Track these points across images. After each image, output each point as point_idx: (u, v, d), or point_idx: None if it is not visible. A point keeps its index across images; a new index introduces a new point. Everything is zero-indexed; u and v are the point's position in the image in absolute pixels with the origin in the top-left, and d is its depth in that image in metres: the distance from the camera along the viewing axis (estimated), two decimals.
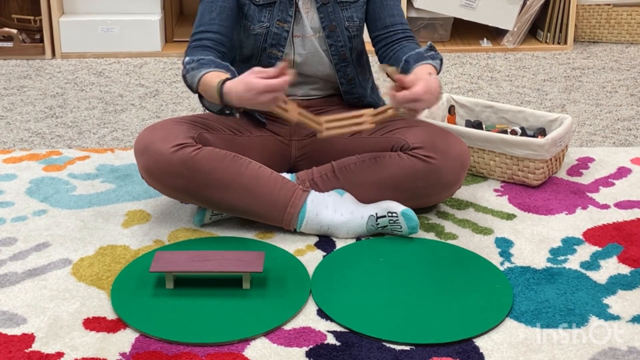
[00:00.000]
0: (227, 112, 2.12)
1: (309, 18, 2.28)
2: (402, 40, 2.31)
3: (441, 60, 2.27)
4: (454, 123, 2.67)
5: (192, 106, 3.20)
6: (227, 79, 2.07)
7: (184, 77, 2.18)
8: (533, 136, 2.57)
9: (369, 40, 2.39)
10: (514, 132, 2.58)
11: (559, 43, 3.86)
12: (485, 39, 3.89)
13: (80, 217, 2.34)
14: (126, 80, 3.48)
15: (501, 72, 3.57)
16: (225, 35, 2.24)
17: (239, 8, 2.27)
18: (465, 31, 3.97)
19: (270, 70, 2.03)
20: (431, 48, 2.26)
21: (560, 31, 3.84)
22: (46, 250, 2.18)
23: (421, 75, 2.11)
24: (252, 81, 2.02)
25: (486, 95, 3.31)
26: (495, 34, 3.94)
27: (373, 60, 2.49)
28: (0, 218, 2.33)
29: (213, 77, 2.11)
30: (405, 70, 2.21)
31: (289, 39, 2.26)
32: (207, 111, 2.27)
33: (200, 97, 2.19)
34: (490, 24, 3.86)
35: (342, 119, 2.18)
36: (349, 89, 2.36)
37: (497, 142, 2.48)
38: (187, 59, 2.18)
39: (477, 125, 2.65)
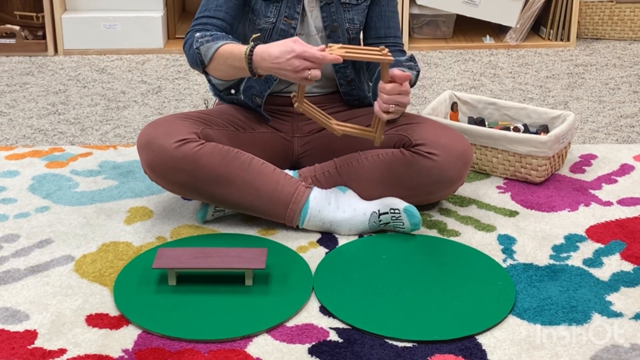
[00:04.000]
0: (233, 91, 2.16)
1: (313, 17, 2.27)
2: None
3: (418, 72, 2.28)
4: (457, 120, 2.67)
5: (194, 102, 3.20)
6: (258, 43, 2.08)
7: (196, 49, 2.15)
8: (536, 133, 2.57)
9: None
10: (516, 129, 2.58)
11: (561, 40, 3.85)
12: (487, 36, 3.88)
13: (83, 213, 2.34)
14: (128, 77, 3.48)
15: (504, 69, 3.57)
16: (230, 24, 2.24)
17: (246, 1, 2.27)
18: (468, 28, 3.97)
19: (314, 47, 2.02)
20: (411, 59, 2.28)
21: (563, 28, 3.83)
22: (49, 247, 2.18)
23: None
24: (291, 44, 2.01)
25: (489, 92, 3.30)
26: (498, 30, 3.94)
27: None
28: (2, 215, 2.34)
29: (237, 46, 2.11)
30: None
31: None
32: (211, 89, 2.28)
33: (205, 72, 2.20)
34: (492, 21, 3.85)
35: (354, 127, 2.17)
36: (348, 90, 2.36)
37: (499, 139, 2.48)
38: (198, 34, 2.17)
39: (480, 122, 2.64)
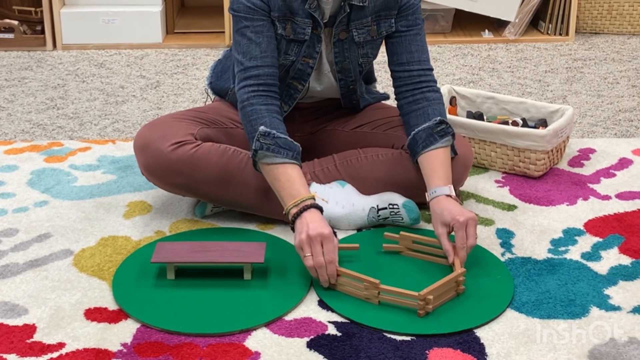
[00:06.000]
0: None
1: (327, 52, 2.23)
2: (416, 90, 2.20)
3: (453, 135, 2.15)
4: (455, 114, 2.67)
5: (193, 97, 3.20)
6: (307, 207, 1.99)
7: (257, 151, 2.05)
8: (534, 127, 2.57)
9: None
10: (515, 123, 2.58)
11: (560, 34, 3.85)
12: (486, 30, 3.88)
13: (82, 208, 2.34)
14: (127, 72, 3.48)
15: (502, 64, 3.57)
16: (276, 67, 2.15)
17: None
18: (467, 22, 3.97)
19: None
20: (441, 122, 2.15)
21: (562, 22, 3.83)
22: (47, 241, 2.18)
23: (455, 220, 2.01)
24: (329, 234, 1.96)
25: (487, 87, 3.30)
26: (497, 25, 3.94)
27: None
28: (1, 209, 2.34)
29: (293, 181, 2.03)
30: (413, 148, 2.16)
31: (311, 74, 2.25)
32: (210, 85, 2.42)
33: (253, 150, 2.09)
34: (491, 15, 3.85)
35: (440, 288, 1.92)
36: (351, 107, 2.37)
37: (498, 133, 2.48)
38: (261, 128, 2.05)
39: (479, 116, 2.64)
